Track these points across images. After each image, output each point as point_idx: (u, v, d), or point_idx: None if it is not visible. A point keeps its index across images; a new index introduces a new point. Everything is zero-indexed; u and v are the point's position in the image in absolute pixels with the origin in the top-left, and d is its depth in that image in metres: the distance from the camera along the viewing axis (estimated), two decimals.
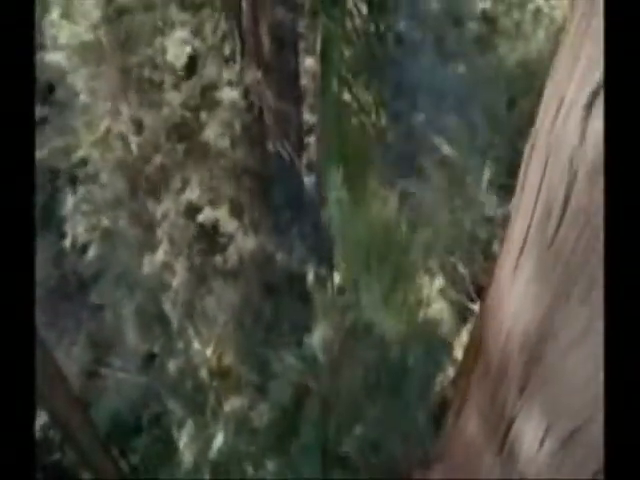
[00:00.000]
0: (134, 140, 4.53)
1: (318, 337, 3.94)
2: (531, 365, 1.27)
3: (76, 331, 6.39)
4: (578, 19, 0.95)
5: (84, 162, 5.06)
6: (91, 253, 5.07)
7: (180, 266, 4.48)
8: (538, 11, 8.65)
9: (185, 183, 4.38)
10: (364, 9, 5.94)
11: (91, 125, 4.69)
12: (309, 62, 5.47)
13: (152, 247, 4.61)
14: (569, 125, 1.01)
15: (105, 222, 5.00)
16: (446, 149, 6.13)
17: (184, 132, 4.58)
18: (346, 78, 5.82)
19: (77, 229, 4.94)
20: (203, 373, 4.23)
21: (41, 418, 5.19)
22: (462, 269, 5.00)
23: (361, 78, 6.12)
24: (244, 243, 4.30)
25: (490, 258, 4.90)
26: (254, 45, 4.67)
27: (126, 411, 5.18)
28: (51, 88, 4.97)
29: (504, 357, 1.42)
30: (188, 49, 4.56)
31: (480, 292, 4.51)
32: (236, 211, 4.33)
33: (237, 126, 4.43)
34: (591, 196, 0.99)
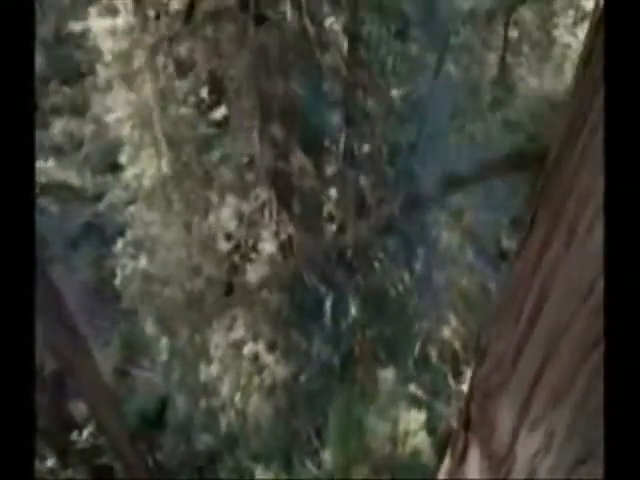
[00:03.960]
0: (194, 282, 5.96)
1: (330, 454, 5.33)
2: None
3: (110, 332, 7.21)
4: None
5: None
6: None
7: (228, 379, 5.90)
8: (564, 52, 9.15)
9: (233, 321, 5.78)
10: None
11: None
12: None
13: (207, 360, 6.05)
14: None
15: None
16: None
17: (232, 275, 5.99)
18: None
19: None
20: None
21: (90, 426, 6.26)
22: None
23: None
24: (277, 369, 5.69)
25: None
26: (286, 208, 5.99)
27: (153, 409, 6.27)
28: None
29: None
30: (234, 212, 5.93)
31: None
32: (271, 346, 5.72)
33: (274, 276, 5.79)
34: None
